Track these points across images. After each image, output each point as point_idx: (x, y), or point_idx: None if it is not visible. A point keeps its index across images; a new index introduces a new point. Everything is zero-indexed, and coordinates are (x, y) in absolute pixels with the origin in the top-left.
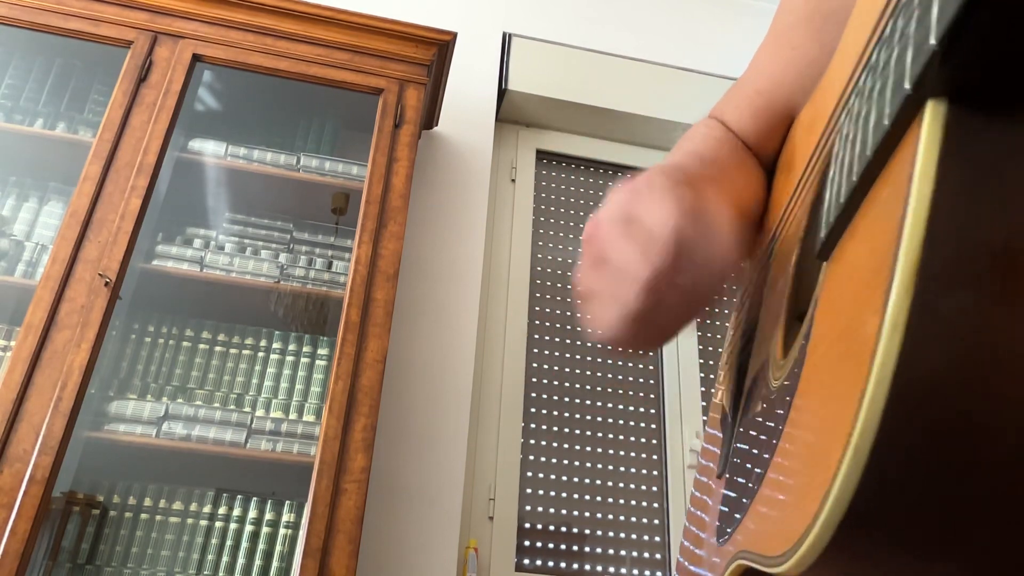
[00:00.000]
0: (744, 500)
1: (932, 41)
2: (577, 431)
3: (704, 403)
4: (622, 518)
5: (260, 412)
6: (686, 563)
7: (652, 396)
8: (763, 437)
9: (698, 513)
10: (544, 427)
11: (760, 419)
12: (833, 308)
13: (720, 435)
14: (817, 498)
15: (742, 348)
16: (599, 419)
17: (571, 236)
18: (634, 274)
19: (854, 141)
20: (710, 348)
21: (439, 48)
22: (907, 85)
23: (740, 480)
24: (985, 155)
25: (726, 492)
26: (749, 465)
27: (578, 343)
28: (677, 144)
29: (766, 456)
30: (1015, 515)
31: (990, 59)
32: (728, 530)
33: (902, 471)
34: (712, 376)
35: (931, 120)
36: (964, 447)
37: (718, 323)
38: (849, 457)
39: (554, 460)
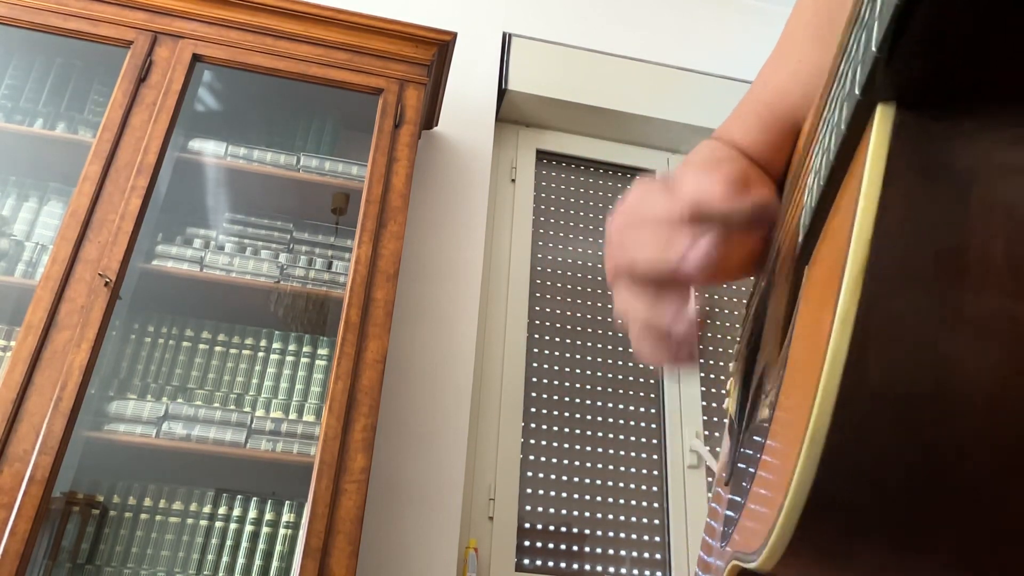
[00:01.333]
0: (741, 503)
1: (873, 48)
2: (577, 431)
3: (704, 403)
4: (622, 518)
5: (260, 412)
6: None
7: (652, 396)
8: (758, 442)
9: (710, 522)
10: (544, 427)
11: (758, 425)
12: (806, 309)
13: (729, 442)
14: (783, 491)
15: (748, 355)
16: (599, 419)
17: (571, 236)
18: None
19: (824, 147)
20: (710, 348)
21: (439, 48)
22: (857, 91)
23: (740, 485)
24: (933, 155)
25: (730, 498)
26: (748, 470)
27: (578, 343)
28: (682, 163)
29: (758, 458)
30: (980, 503)
31: (931, 64)
32: (729, 533)
33: (860, 457)
34: (712, 376)
35: (880, 123)
36: (916, 434)
37: (717, 323)
38: (806, 446)
39: (554, 460)
